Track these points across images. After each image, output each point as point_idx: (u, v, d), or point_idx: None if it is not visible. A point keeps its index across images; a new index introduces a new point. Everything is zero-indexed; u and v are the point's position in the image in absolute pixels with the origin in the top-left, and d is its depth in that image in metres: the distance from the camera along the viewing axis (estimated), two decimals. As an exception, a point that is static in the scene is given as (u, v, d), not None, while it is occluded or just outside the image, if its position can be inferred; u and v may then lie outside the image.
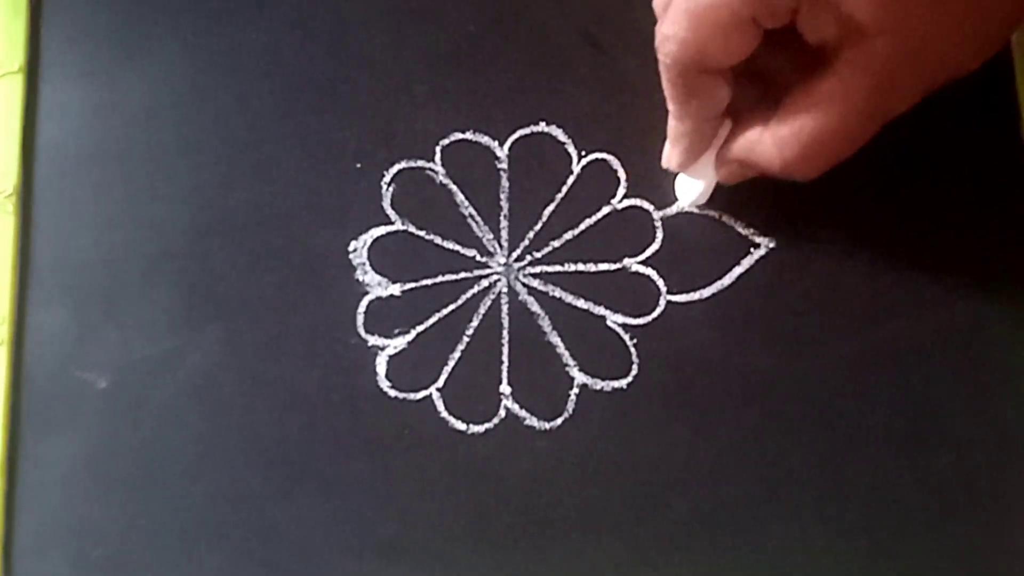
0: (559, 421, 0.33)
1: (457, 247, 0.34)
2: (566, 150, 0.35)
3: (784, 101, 0.29)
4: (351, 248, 0.34)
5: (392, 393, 0.33)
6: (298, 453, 0.33)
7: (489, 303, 0.34)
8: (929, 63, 0.27)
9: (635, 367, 0.33)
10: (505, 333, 0.33)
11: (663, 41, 0.28)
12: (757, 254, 0.34)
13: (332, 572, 0.32)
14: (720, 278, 0.34)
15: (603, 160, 0.34)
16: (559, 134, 0.35)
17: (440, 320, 0.34)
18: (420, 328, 0.34)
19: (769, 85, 0.30)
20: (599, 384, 0.33)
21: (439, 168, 0.35)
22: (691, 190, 0.33)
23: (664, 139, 0.32)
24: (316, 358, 0.33)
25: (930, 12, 0.26)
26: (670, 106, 0.30)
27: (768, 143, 0.29)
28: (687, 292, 0.34)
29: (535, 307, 0.34)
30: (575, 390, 0.33)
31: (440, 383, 0.33)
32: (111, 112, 0.35)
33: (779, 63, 0.29)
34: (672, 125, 0.31)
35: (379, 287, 0.34)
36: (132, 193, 0.35)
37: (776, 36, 0.28)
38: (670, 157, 0.32)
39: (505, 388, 0.33)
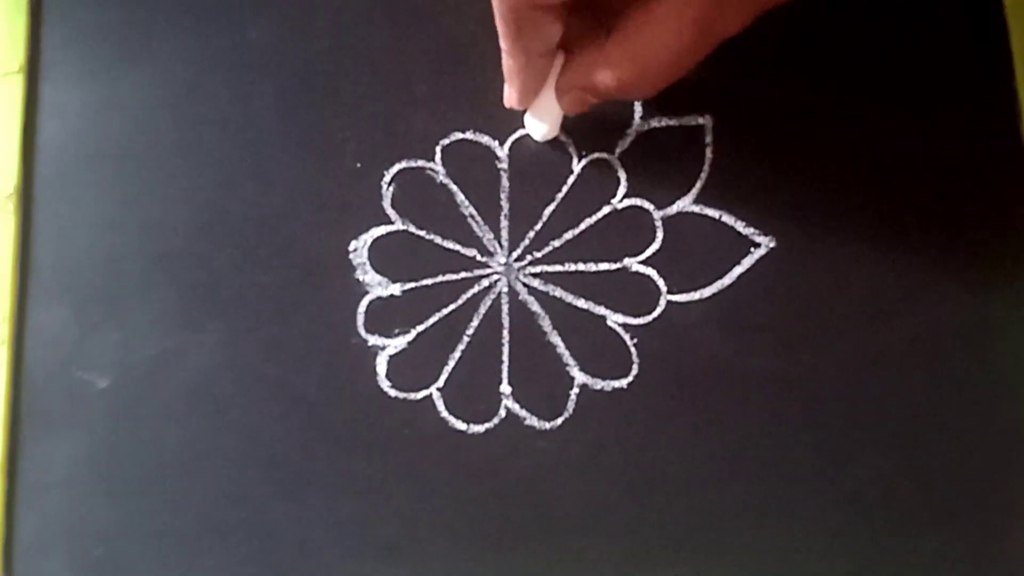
0: (559, 421, 0.33)
1: (457, 247, 0.34)
2: (566, 150, 0.35)
3: (617, 25, 0.29)
4: (351, 248, 0.34)
5: (392, 393, 0.33)
6: (298, 453, 0.33)
7: (489, 303, 0.34)
8: None
9: (635, 367, 0.33)
10: (505, 333, 0.33)
11: None
12: (757, 254, 0.34)
13: (332, 572, 0.32)
14: (720, 278, 0.34)
15: (603, 160, 0.34)
16: (559, 134, 0.35)
17: (440, 320, 0.34)
18: (420, 328, 0.34)
19: (600, 12, 0.30)
20: (599, 384, 0.33)
21: (439, 168, 0.35)
22: (539, 126, 0.33)
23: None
24: (316, 358, 0.33)
25: None
26: (502, 43, 0.30)
27: (604, 66, 0.30)
28: (687, 292, 0.34)
29: (535, 307, 0.34)
30: (575, 390, 0.33)
31: (440, 383, 0.33)
32: (111, 112, 0.35)
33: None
34: (506, 62, 0.31)
35: (379, 287, 0.34)
36: (132, 193, 0.35)
37: None
38: (509, 96, 0.32)
39: (505, 388, 0.33)
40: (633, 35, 0.29)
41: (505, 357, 0.33)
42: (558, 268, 0.34)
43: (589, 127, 0.34)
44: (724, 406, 0.33)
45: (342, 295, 0.34)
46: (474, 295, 0.34)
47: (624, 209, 0.34)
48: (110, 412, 0.33)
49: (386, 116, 0.35)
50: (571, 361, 0.33)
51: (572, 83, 0.31)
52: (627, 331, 0.33)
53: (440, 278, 0.34)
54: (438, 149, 0.35)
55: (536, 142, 0.34)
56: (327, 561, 0.32)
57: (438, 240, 0.34)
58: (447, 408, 0.33)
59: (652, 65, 0.29)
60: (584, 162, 0.35)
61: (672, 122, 0.35)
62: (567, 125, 0.35)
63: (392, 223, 0.34)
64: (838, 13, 0.35)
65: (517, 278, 0.34)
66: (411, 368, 0.33)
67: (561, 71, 0.32)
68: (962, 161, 0.34)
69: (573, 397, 0.33)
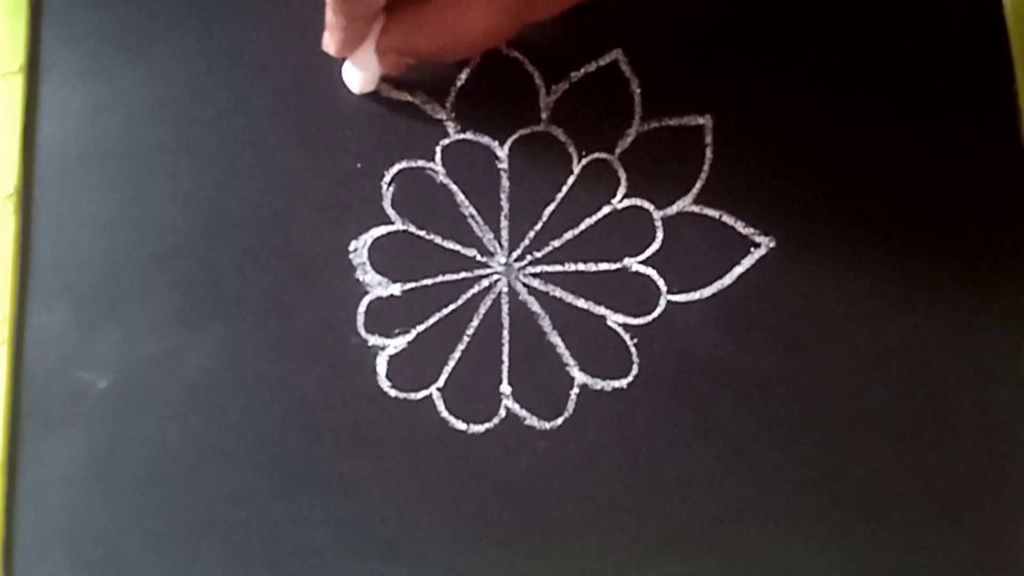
0: (559, 421, 0.33)
1: (457, 247, 0.34)
2: (566, 150, 0.35)
3: None
4: (351, 248, 0.34)
5: (392, 393, 0.33)
6: (298, 453, 0.33)
7: (489, 303, 0.34)
8: None
9: (635, 367, 0.33)
10: (505, 333, 0.33)
11: None
12: (757, 254, 0.34)
13: (332, 572, 0.32)
14: (720, 278, 0.34)
15: (603, 160, 0.34)
16: (559, 134, 0.35)
17: (440, 320, 0.34)
18: (420, 328, 0.34)
19: None
20: (599, 384, 0.33)
21: (439, 168, 0.35)
22: (357, 78, 0.34)
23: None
24: (316, 358, 0.33)
25: None
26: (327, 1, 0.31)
27: (421, 32, 0.31)
28: (687, 292, 0.34)
29: (535, 307, 0.34)
30: (575, 390, 0.33)
31: (440, 383, 0.33)
32: (111, 112, 0.35)
33: None
34: (328, 16, 0.32)
35: (379, 287, 0.34)
36: (132, 193, 0.35)
37: None
38: (327, 43, 0.33)
39: (505, 388, 0.33)
40: (448, 8, 0.30)
41: (505, 357, 0.33)
42: (558, 268, 0.34)
43: (589, 127, 0.35)
44: (724, 406, 0.33)
45: (342, 295, 0.34)
46: (474, 295, 0.34)
47: (624, 209, 0.34)
48: (110, 412, 0.33)
49: (386, 116, 0.35)
50: (571, 361, 0.33)
51: (390, 46, 0.32)
52: (627, 331, 0.33)
53: (440, 278, 0.34)
54: (438, 149, 0.35)
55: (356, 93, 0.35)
56: (327, 561, 0.32)
57: (438, 240, 0.34)
58: (447, 408, 0.33)
59: (464, 35, 0.31)
60: (584, 162, 0.35)
61: (672, 122, 0.35)
62: (567, 126, 0.35)
63: (392, 223, 0.34)
64: (838, 13, 0.35)
65: (517, 278, 0.34)
66: (411, 368, 0.33)
67: (381, 32, 0.32)
68: (962, 162, 0.34)
69: (573, 397, 0.33)
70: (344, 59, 0.34)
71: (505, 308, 0.34)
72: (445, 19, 0.31)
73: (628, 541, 0.32)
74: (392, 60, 0.33)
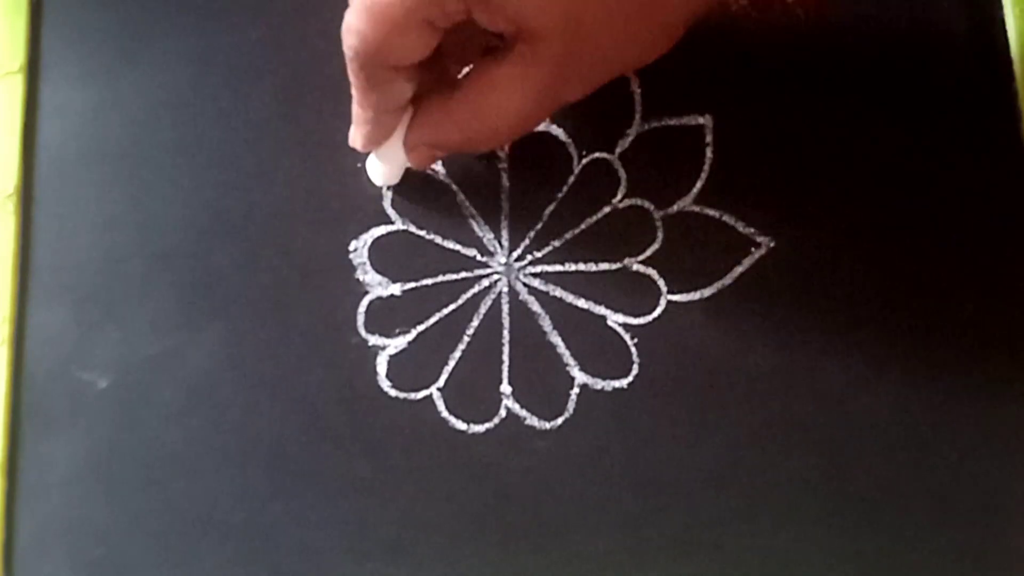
0: (559, 421, 0.33)
1: (457, 247, 0.34)
2: (567, 150, 0.35)
3: (463, 82, 0.30)
4: (351, 248, 0.34)
5: (392, 393, 0.33)
6: (298, 453, 0.33)
7: (490, 303, 0.34)
8: (599, 60, 0.29)
9: (635, 367, 0.33)
10: (505, 333, 0.33)
11: (346, 32, 0.29)
12: (757, 254, 0.34)
13: (332, 572, 0.32)
14: (720, 278, 0.34)
15: (603, 160, 0.34)
16: (559, 134, 0.35)
17: (440, 320, 0.34)
18: (420, 328, 0.34)
19: (447, 65, 0.31)
20: (599, 384, 0.33)
21: (439, 168, 0.35)
22: (382, 171, 0.33)
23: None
24: (316, 358, 0.33)
25: (598, 18, 0.28)
26: (353, 93, 0.31)
27: (450, 125, 0.30)
28: (687, 292, 0.34)
29: (536, 307, 0.34)
30: (575, 390, 0.33)
31: (440, 383, 0.33)
32: (111, 112, 0.35)
33: (457, 42, 0.30)
34: (354, 109, 0.31)
35: (379, 287, 0.34)
36: (132, 193, 0.35)
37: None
38: (354, 138, 0.32)
39: (505, 388, 0.33)
40: (478, 97, 0.29)
41: (505, 357, 0.33)
42: (558, 268, 0.34)
43: (589, 127, 0.35)
44: (724, 406, 0.33)
45: (342, 295, 0.34)
46: (474, 295, 0.34)
47: (624, 209, 0.34)
48: (110, 412, 0.33)
49: (386, 116, 0.35)
50: (571, 361, 0.33)
51: (419, 140, 0.31)
52: (627, 331, 0.33)
53: (440, 278, 0.34)
54: (438, 149, 0.35)
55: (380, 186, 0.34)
56: (327, 561, 0.32)
57: (438, 240, 0.34)
58: (447, 408, 0.33)
59: (496, 126, 0.30)
60: (584, 162, 0.35)
61: (672, 122, 0.35)
62: (567, 126, 0.35)
63: (392, 223, 0.34)
64: (838, 13, 0.35)
65: (517, 278, 0.34)
66: (411, 368, 0.33)
67: (409, 127, 0.31)
68: (962, 162, 0.34)
69: (573, 397, 0.33)
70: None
71: (505, 308, 0.34)
72: (476, 109, 0.29)
73: (628, 541, 0.32)
74: (421, 154, 0.32)
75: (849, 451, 0.32)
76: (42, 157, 0.35)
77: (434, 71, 0.30)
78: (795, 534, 0.32)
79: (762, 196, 0.34)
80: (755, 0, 0.27)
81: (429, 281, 0.34)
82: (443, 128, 0.31)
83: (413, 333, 0.34)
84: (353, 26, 0.28)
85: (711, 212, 0.34)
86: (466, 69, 0.33)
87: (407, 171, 0.34)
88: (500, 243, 0.34)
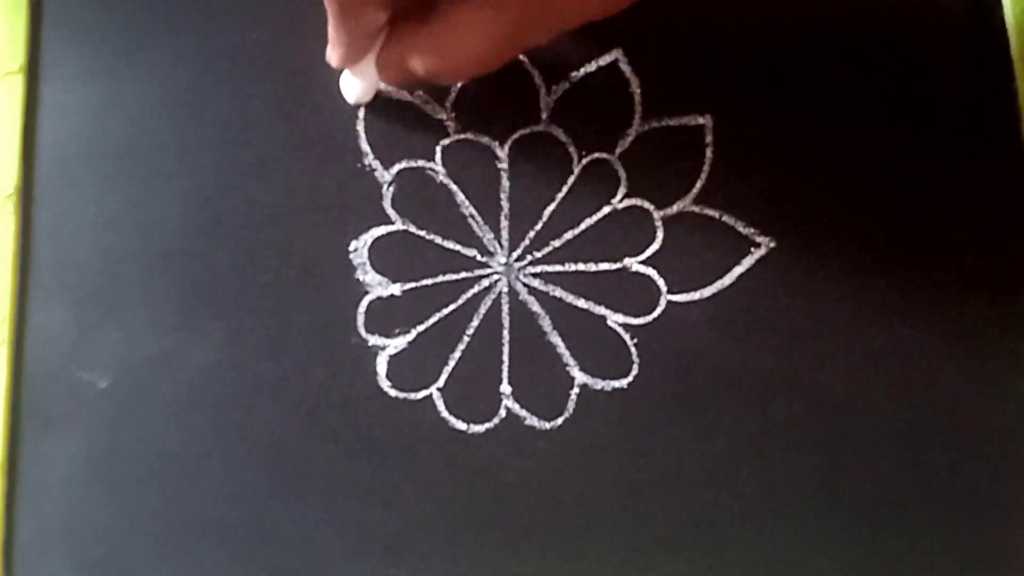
0: (559, 421, 0.33)
1: (457, 247, 0.34)
2: (566, 150, 0.35)
3: (433, 16, 0.31)
4: (351, 248, 0.34)
5: (392, 393, 0.33)
6: (298, 453, 0.33)
7: (490, 303, 0.34)
8: (560, 9, 0.30)
9: (635, 367, 0.33)
10: (505, 333, 0.33)
11: None
12: (757, 254, 0.34)
13: (332, 572, 0.32)
14: (720, 278, 0.34)
15: (603, 160, 0.35)
16: (559, 134, 0.35)
17: (440, 320, 0.34)
18: (420, 328, 0.34)
19: None
20: (599, 384, 0.33)
21: (439, 168, 0.35)
22: (355, 88, 0.34)
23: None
24: (316, 358, 0.33)
25: None
26: (329, 17, 0.31)
27: (416, 52, 0.31)
28: (687, 292, 0.34)
29: (535, 307, 0.34)
30: (575, 390, 0.33)
31: (440, 383, 0.33)
32: (111, 112, 0.35)
33: None
34: (330, 31, 0.32)
35: (379, 287, 0.34)
36: (132, 193, 0.35)
37: None
38: (330, 56, 0.33)
39: (505, 388, 0.33)
40: (444, 32, 0.30)
41: (505, 357, 0.33)
42: (558, 268, 0.34)
43: (589, 127, 0.35)
44: (724, 406, 0.33)
45: (342, 295, 0.34)
46: (474, 295, 0.34)
47: (624, 209, 0.34)
48: (110, 412, 0.33)
49: (386, 116, 0.35)
50: (571, 361, 0.33)
51: (389, 61, 0.32)
52: (627, 331, 0.33)
53: (440, 278, 0.34)
54: (438, 149, 0.35)
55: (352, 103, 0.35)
56: (327, 561, 0.32)
57: (438, 240, 0.34)
58: (447, 408, 0.33)
59: (457, 62, 0.31)
60: (584, 162, 0.35)
61: (672, 122, 0.35)
62: (567, 126, 0.35)
63: (392, 223, 0.34)
64: (837, 13, 0.35)
65: (517, 278, 0.34)
66: (411, 368, 0.33)
67: (382, 47, 0.32)
68: (962, 162, 0.34)
69: (573, 397, 0.33)
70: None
71: (505, 308, 0.34)
72: (442, 45, 0.31)
73: (628, 541, 0.32)
74: (391, 74, 0.33)
75: (849, 451, 0.32)
76: (42, 157, 0.35)
77: None
78: (795, 534, 0.32)
79: (762, 196, 0.34)
80: None
81: (429, 281, 0.34)
82: (412, 56, 0.31)
83: (413, 333, 0.34)
84: None
85: (711, 212, 0.34)
86: None
87: (405, 169, 0.34)
88: (500, 243, 0.34)
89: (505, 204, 0.34)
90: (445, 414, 0.33)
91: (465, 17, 0.30)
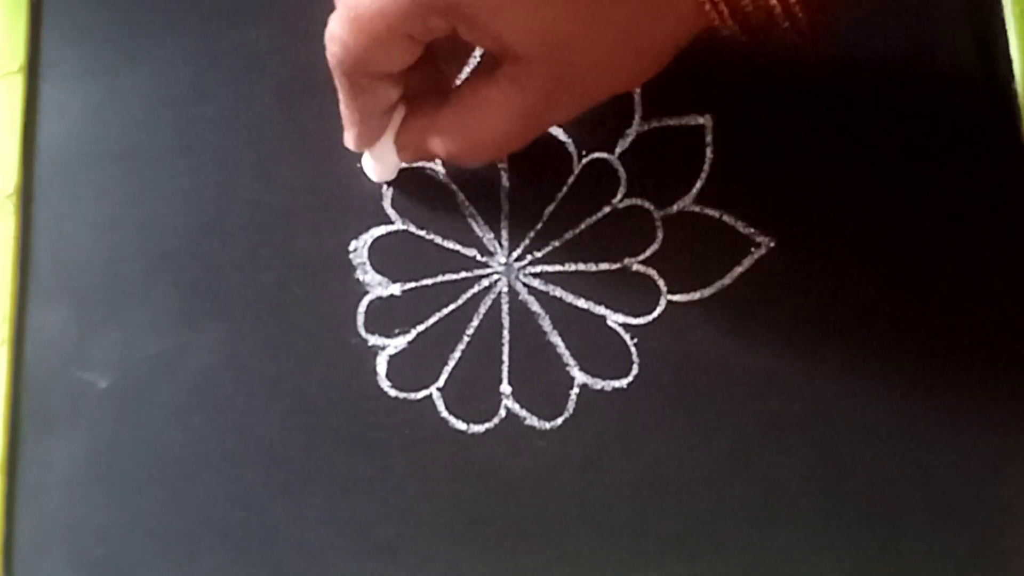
0: (559, 421, 0.33)
1: (457, 247, 0.34)
2: (566, 150, 0.35)
3: (453, 95, 0.30)
4: (351, 248, 0.34)
5: (392, 393, 0.33)
6: (298, 453, 0.33)
7: (489, 303, 0.34)
8: (587, 85, 0.29)
9: (635, 367, 0.33)
10: (505, 333, 0.33)
11: (329, 40, 0.29)
12: (757, 254, 0.34)
13: (332, 572, 0.32)
14: (720, 278, 0.34)
15: (603, 160, 0.34)
16: (559, 134, 0.35)
17: (440, 320, 0.34)
18: (420, 328, 0.34)
19: (440, 63, 0.31)
20: (599, 384, 0.33)
21: (439, 168, 0.35)
22: (376, 168, 0.33)
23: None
24: (316, 358, 0.33)
25: (583, 44, 0.27)
26: (340, 97, 0.31)
27: (436, 134, 0.30)
28: (687, 292, 0.34)
29: (535, 307, 0.34)
30: (575, 390, 0.33)
31: (440, 383, 0.33)
32: (111, 112, 0.35)
33: (448, 43, 0.30)
34: (344, 113, 0.31)
35: (379, 287, 0.34)
36: (132, 193, 0.35)
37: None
38: (347, 139, 0.32)
39: (505, 388, 0.33)
40: (464, 114, 0.29)
41: (505, 357, 0.33)
42: (558, 268, 0.34)
43: (589, 127, 0.35)
44: (724, 406, 0.33)
45: (342, 295, 0.34)
46: (474, 295, 0.34)
47: (624, 209, 0.34)
48: (110, 412, 0.33)
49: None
50: (571, 361, 0.33)
51: (408, 142, 0.32)
52: (627, 331, 0.33)
53: (440, 278, 0.34)
54: (438, 149, 0.35)
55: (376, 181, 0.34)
56: (327, 561, 0.32)
57: (438, 240, 0.34)
58: (447, 408, 0.33)
59: (481, 144, 0.30)
60: (584, 162, 0.35)
61: (672, 122, 0.35)
62: (567, 126, 0.35)
63: (392, 223, 0.34)
64: (837, 13, 0.35)
65: (517, 278, 0.34)
66: (411, 368, 0.33)
67: (400, 128, 0.32)
68: (962, 162, 0.34)
69: (573, 397, 0.33)
70: None
71: (505, 308, 0.34)
72: (462, 125, 0.30)
73: (628, 541, 0.32)
74: (411, 154, 0.32)
75: (849, 451, 0.32)
76: (42, 157, 0.35)
77: (425, 72, 0.30)
78: (795, 534, 0.32)
79: (762, 196, 0.34)
80: (746, 26, 0.27)
81: (429, 281, 0.34)
82: (431, 137, 0.31)
83: (413, 333, 0.34)
84: (336, 35, 0.28)
85: (711, 212, 0.34)
86: (465, 71, 0.33)
87: (405, 170, 0.34)
88: (500, 243, 0.34)
89: (505, 204, 0.34)
90: (445, 414, 0.33)
91: (487, 97, 0.29)
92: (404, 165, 0.33)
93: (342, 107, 0.31)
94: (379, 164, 0.33)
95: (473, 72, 0.30)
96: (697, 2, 0.26)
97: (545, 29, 0.27)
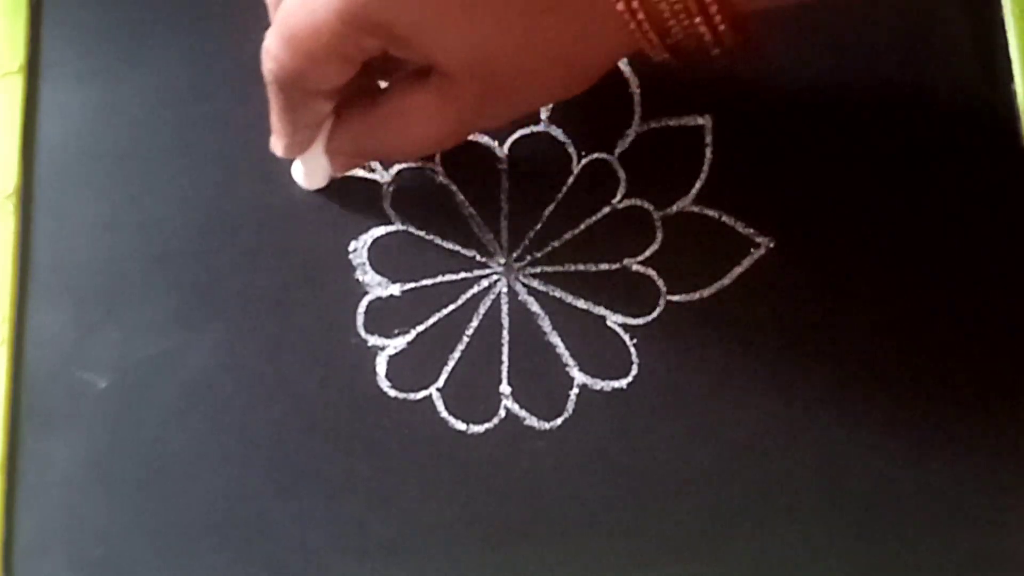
0: (559, 421, 0.33)
1: (457, 247, 0.34)
2: (566, 150, 0.35)
3: (383, 99, 0.30)
4: (351, 248, 0.34)
5: (392, 393, 0.33)
6: (298, 453, 0.33)
7: (489, 303, 0.34)
8: (515, 98, 0.29)
9: (635, 367, 0.33)
10: (505, 333, 0.33)
11: (265, 55, 0.29)
12: (757, 254, 0.34)
13: (332, 572, 0.32)
14: (720, 278, 0.34)
15: (603, 160, 0.34)
16: (559, 134, 0.35)
17: (440, 320, 0.34)
18: (420, 328, 0.34)
19: (371, 74, 0.31)
20: (599, 384, 0.33)
21: (439, 168, 0.35)
22: (306, 176, 0.34)
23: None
24: (316, 358, 0.33)
25: (511, 63, 0.28)
26: (272, 107, 0.31)
27: (369, 137, 0.31)
28: (687, 292, 0.34)
29: (535, 307, 0.34)
30: (575, 390, 0.33)
31: (440, 383, 0.33)
32: (111, 112, 0.35)
33: (381, 63, 0.30)
34: (274, 123, 0.32)
35: (379, 287, 0.34)
36: (132, 193, 0.35)
37: None
38: (274, 146, 0.32)
39: (505, 388, 0.33)
40: (395, 118, 0.30)
41: (505, 357, 0.33)
42: (558, 268, 0.34)
43: (588, 127, 0.35)
44: (724, 406, 0.33)
45: (342, 295, 0.34)
46: (474, 295, 0.34)
47: (624, 209, 0.34)
48: (110, 412, 0.33)
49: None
50: (571, 361, 0.33)
51: (339, 149, 0.32)
52: (627, 331, 0.33)
53: (440, 278, 0.34)
54: (438, 149, 0.35)
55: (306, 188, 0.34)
56: (327, 561, 0.32)
57: (438, 240, 0.34)
58: (447, 408, 0.33)
59: (411, 146, 0.31)
60: (584, 162, 0.35)
61: (672, 122, 0.35)
62: (567, 126, 0.35)
63: (392, 223, 0.34)
64: (836, 13, 0.35)
65: (517, 278, 0.34)
66: (411, 368, 0.33)
67: (329, 135, 0.32)
68: (962, 162, 0.34)
69: (573, 397, 0.33)
70: None
71: (505, 308, 0.34)
72: (392, 129, 0.30)
73: (628, 541, 0.32)
74: (341, 161, 0.33)
75: (849, 451, 0.32)
76: (42, 157, 0.35)
77: (355, 82, 0.30)
78: (795, 534, 0.32)
79: (762, 196, 0.34)
80: (675, 52, 0.27)
81: (429, 281, 0.34)
82: (361, 140, 0.31)
83: (413, 333, 0.34)
84: (271, 52, 0.29)
85: (711, 212, 0.34)
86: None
87: (405, 170, 0.34)
88: (500, 243, 0.34)
89: (505, 204, 0.34)
90: (445, 414, 0.33)
91: (417, 102, 0.29)
92: (337, 175, 0.34)
93: (273, 117, 0.31)
94: (309, 171, 0.33)
95: (403, 75, 0.30)
96: (626, 30, 0.27)
97: (475, 48, 0.27)
